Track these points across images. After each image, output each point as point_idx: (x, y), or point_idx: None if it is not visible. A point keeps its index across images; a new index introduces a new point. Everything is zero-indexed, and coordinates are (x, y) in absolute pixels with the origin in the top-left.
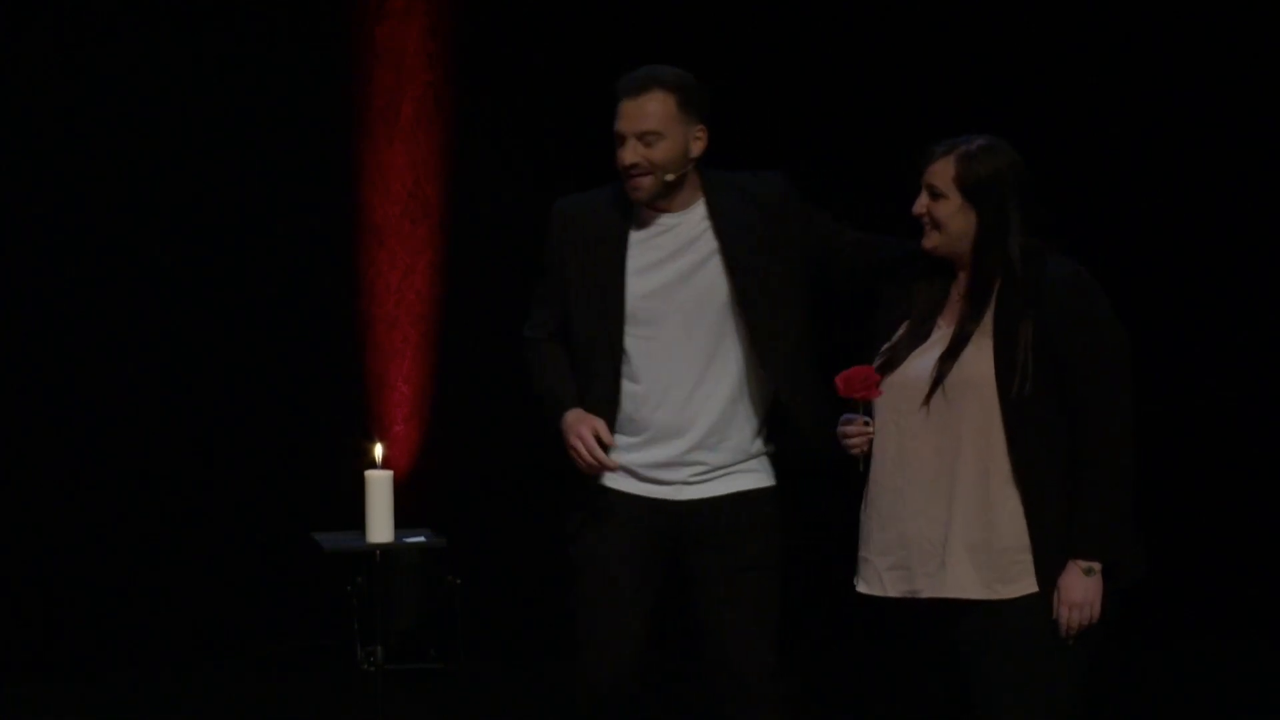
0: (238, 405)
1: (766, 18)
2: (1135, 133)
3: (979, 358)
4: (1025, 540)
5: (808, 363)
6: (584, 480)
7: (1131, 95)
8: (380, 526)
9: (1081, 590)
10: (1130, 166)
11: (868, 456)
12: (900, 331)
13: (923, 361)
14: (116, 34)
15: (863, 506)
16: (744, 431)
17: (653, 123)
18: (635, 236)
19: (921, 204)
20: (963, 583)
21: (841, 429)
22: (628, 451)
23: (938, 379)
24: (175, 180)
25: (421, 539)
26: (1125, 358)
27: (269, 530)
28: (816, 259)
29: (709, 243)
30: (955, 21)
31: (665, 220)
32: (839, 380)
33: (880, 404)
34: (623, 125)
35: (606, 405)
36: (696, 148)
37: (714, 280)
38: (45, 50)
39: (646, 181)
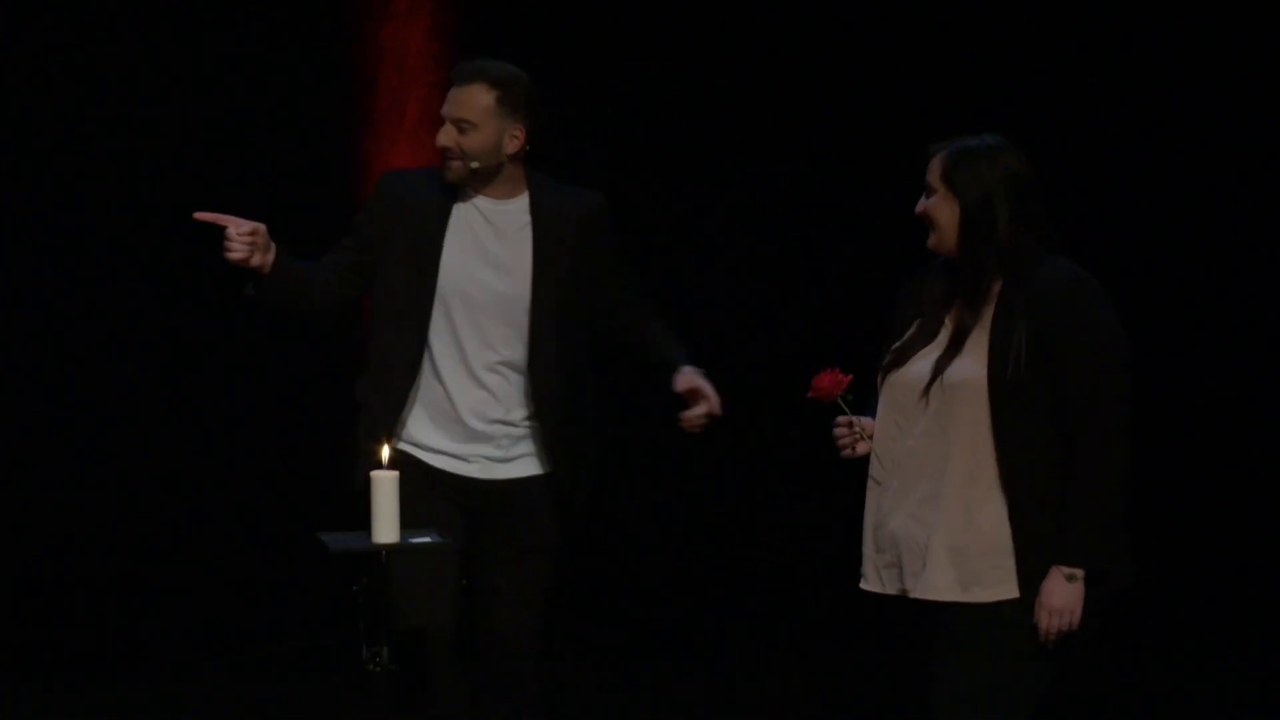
0: (242, 406)
1: (764, 19)
2: (1137, 132)
3: (974, 359)
4: (1008, 544)
5: (581, 365)
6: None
7: (1132, 94)
8: (386, 527)
9: (1061, 596)
10: (1131, 166)
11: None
12: (910, 331)
13: (926, 361)
14: (117, 36)
15: (866, 504)
16: (523, 419)
17: (469, 112)
18: (456, 217)
19: (921, 203)
20: (939, 585)
21: (834, 432)
22: (422, 428)
23: (933, 379)
24: (178, 180)
25: (427, 539)
26: (1123, 364)
27: (274, 530)
28: (596, 284)
29: (525, 234)
30: (964, 21)
31: (485, 205)
32: (812, 383)
33: (883, 402)
34: (446, 109)
35: (408, 371)
36: (511, 145)
37: (518, 270)
38: (40, 55)
39: (455, 165)
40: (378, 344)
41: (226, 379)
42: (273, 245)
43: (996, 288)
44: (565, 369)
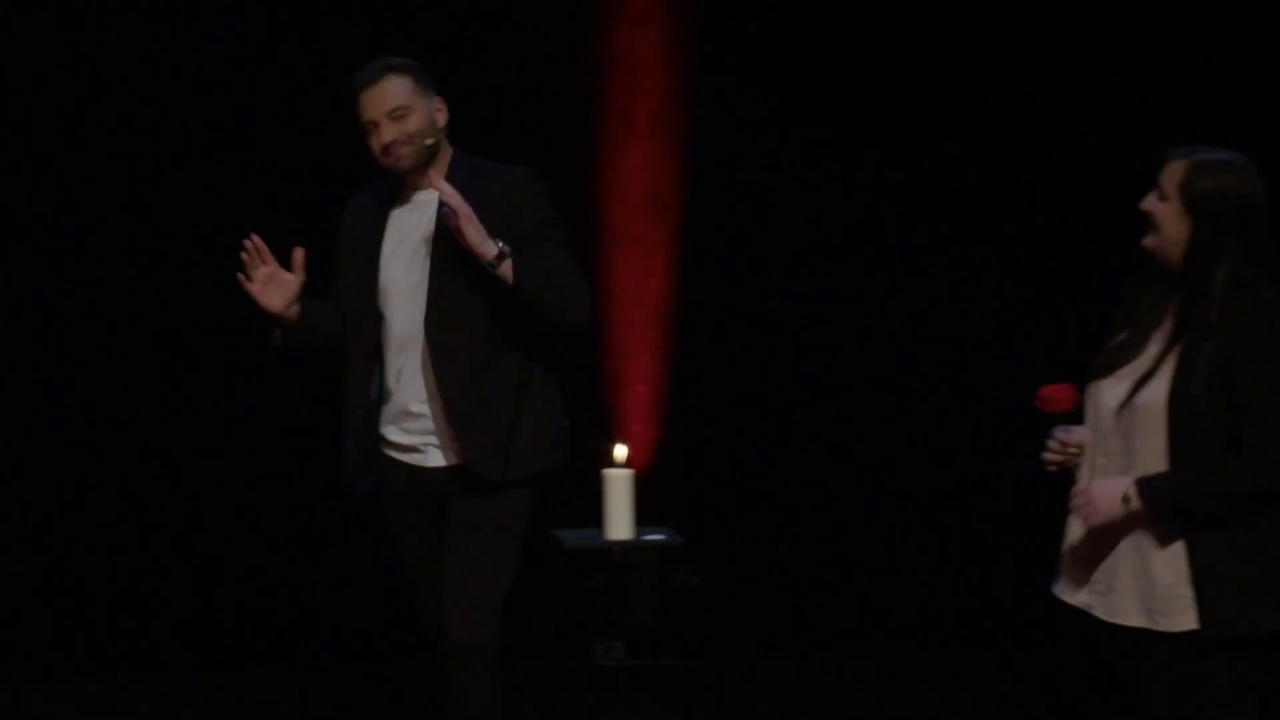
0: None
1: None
2: None
3: (1164, 382)
4: (1186, 575)
5: (501, 349)
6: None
7: None
8: (620, 524)
9: (1105, 493)
10: None
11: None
12: (1120, 337)
13: (1124, 380)
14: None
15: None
16: (421, 409)
17: (398, 99)
18: (394, 216)
19: (1149, 201)
20: (1126, 609)
21: (1048, 444)
22: (385, 425)
23: (1126, 399)
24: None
25: (660, 537)
26: None
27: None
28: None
29: (433, 220)
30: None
31: (419, 198)
32: (1041, 394)
33: (1086, 414)
34: (371, 113)
35: (364, 380)
36: (441, 117)
37: (422, 260)
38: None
39: (405, 151)
40: (347, 353)
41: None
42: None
43: (1201, 310)
44: (471, 356)
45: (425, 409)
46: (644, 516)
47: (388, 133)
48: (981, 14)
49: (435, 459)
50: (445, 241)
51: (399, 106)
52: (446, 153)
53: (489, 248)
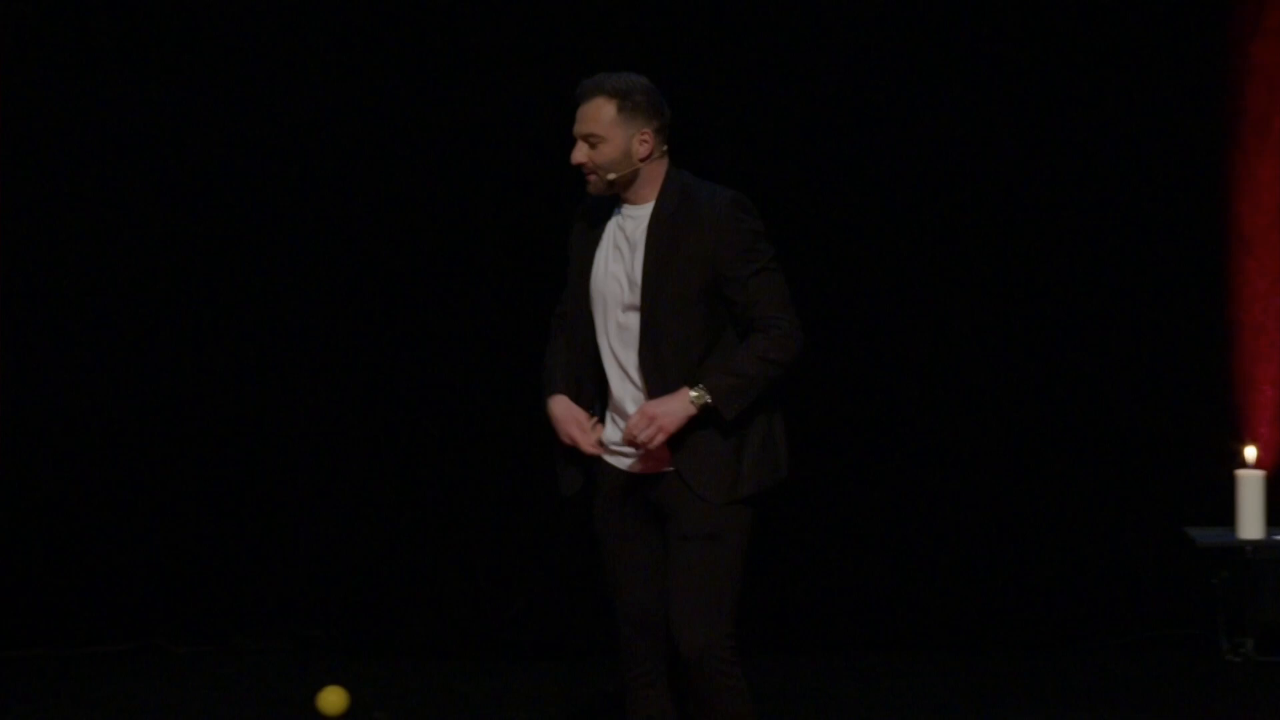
0: (1109, 400)
1: None
2: None
3: None
4: None
5: (695, 366)
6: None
7: None
8: (1251, 523)
9: None
10: None
11: None
12: None
13: None
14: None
15: None
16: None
17: (595, 126)
18: (612, 225)
19: None
20: None
21: None
22: (607, 430)
23: None
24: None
25: None
26: None
27: (1138, 522)
28: (716, 283)
29: (644, 238)
30: None
31: (630, 212)
32: None
33: None
34: (575, 128)
35: (591, 382)
36: (642, 150)
37: (633, 276)
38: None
39: (593, 179)
40: (576, 356)
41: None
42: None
43: None
44: (678, 371)
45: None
46: (1276, 516)
47: (579, 154)
48: None
49: (652, 468)
50: (658, 252)
51: (594, 134)
52: (659, 171)
53: (690, 409)
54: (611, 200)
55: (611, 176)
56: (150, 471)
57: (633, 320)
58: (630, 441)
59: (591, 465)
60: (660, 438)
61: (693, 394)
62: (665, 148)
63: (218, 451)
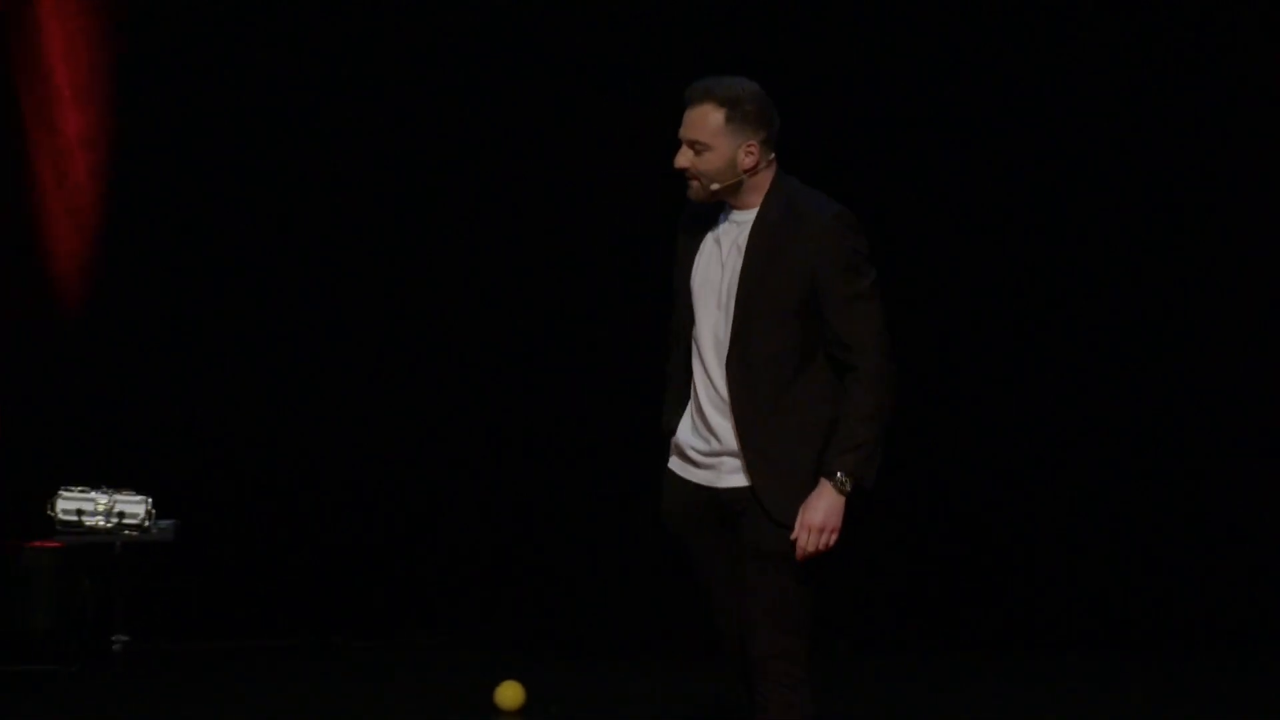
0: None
1: None
2: None
3: None
4: None
5: (785, 382)
6: None
7: None
8: None
9: None
10: None
11: None
12: None
13: None
14: None
15: None
16: (720, 428)
17: (700, 133)
18: (716, 228)
19: None
20: None
21: None
22: (688, 435)
23: None
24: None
25: None
26: None
27: None
28: (813, 299)
29: (744, 247)
30: None
31: (735, 216)
32: None
33: None
34: (680, 130)
35: (686, 385)
36: (747, 160)
37: (731, 281)
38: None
39: (694, 185)
40: (681, 357)
41: None
42: None
43: None
44: (766, 387)
45: (724, 429)
46: None
47: (682, 158)
48: None
49: (729, 480)
50: (757, 261)
51: (699, 141)
52: (765, 179)
53: (841, 499)
54: (715, 205)
55: (715, 186)
56: (329, 473)
57: (724, 328)
58: (805, 555)
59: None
60: (834, 537)
61: (836, 481)
62: (772, 156)
63: (391, 453)
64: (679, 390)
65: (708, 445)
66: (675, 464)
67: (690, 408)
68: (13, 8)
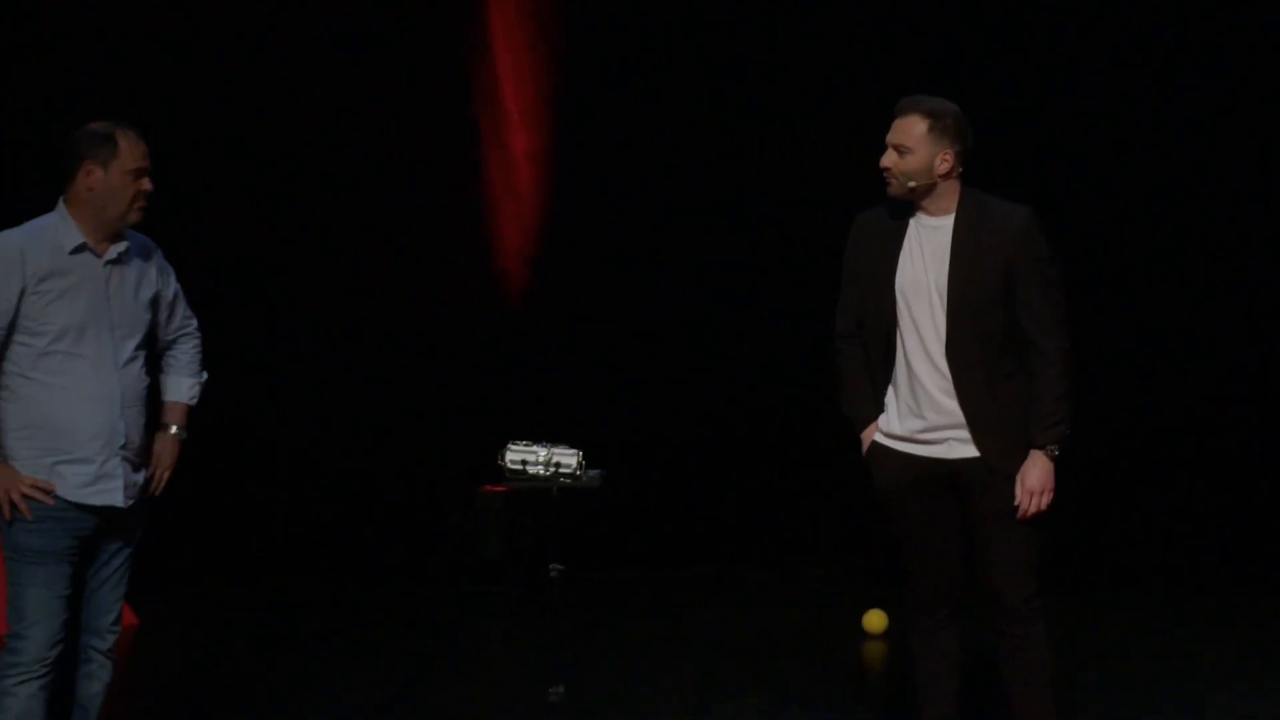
0: None
1: None
2: None
3: None
4: None
5: (994, 361)
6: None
7: None
8: None
9: None
10: None
11: None
12: None
13: None
14: None
15: None
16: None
17: (905, 138)
18: (910, 233)
19: None
20: None
21: None
22: (900, 419)
23: None
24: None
25: None
26: None
27: None
28: (1011, 285)
29: (947, 246)
30: None
31: (929, 222)
32: None
33: None
34: (888, 135)
35: (884, 378)
36: (942, 168)
37: (939, 278)
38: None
39: (894, 183)
40: (872, 357)
41: None
42: None
43: None
44: (982, 362)
45: (948, 406)
46: None
47: (887, 159)
48: None
49: (960, 451)
50: (962, 259)
51: (903, 145)
52: (955, 189)
53: (1051, 464)
54: (896, 214)
55: (911, 184)
56: (735, 430)
57: (940, 319)
58: (1026, 516)
59: (888, 454)
60: (1050, 497)
61: (1047, 451)
62: (961, 169)
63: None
64: (867, 380)
65: (927, 422)
66: (891, 442)
67: (898, 394)
68: (475, 42)
